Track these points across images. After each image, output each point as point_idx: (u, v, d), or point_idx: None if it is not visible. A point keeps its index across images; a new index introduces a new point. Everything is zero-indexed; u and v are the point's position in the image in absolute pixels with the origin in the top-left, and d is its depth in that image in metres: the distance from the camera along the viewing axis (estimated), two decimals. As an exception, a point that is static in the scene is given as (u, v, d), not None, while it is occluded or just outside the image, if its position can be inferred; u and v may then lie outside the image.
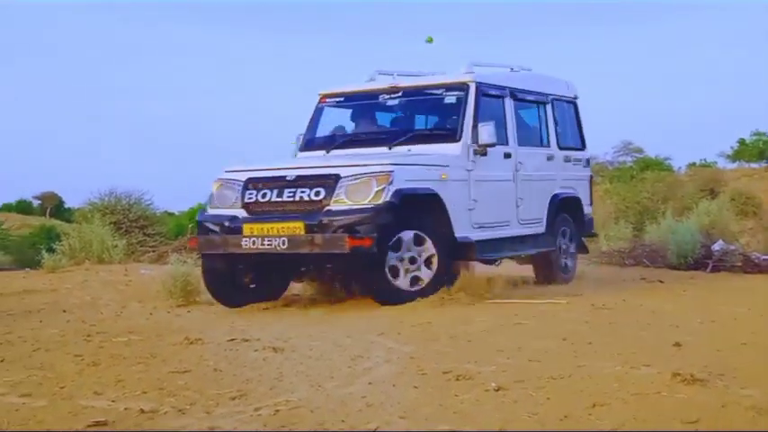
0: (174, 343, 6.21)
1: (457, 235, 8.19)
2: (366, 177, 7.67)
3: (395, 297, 7.70)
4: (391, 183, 7.63)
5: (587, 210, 10.48)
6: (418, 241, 7.84)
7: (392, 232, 7.67)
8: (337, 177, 7.72)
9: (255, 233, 7.71)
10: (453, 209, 8.17)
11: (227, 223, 7.93)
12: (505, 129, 9.08)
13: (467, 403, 4.30)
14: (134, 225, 17.63)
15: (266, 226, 7.71)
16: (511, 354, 5.43)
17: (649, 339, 5.92)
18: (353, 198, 7.62)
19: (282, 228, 7.64)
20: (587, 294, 8.28)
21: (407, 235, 7.78)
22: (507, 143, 9.11)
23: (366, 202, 7.58)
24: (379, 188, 7.61)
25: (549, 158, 9.84)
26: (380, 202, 7.57)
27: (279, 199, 7.88)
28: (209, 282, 8.32)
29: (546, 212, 9.62)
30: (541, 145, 9.83)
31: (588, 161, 10.76)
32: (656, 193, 17.53)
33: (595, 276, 10.38)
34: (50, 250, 13.39)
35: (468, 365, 5.07)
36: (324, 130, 9.53)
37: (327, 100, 9.61)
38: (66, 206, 45.34)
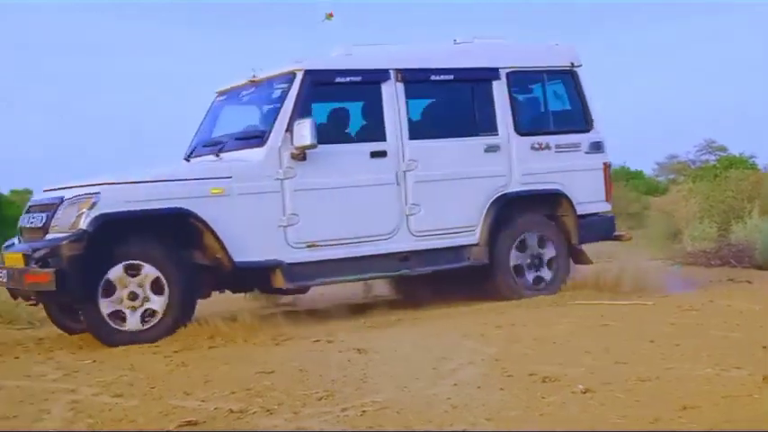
0: (259, 344, 6.29)
1: (239, 259, 6.89)
2: (74, 201, 6.62)
3: (120, 340, 6.54)
4: (92, 207, 6.48)
5: (594, 207, 8.47)
6: (132, 272, 6.62)
7: (94, 266, 6.47)
8: (61, 200, 6.70)
9: (5, 263, 7.07)
10: (236, 228, 6.89)
11: (2, 250, 7.36)
12: (382, 121, 7.61)
13: (553, 406, 4.27)
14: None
15: (7, 255, 7.07)
16: (597, 356, 5.37)
17: (738, 341, 5.80)
18: (63, 225, 6.58)
19: (12, 258, 6.91)
20: (673, 296, 8.14)
21: (115, 272, 6.56)
22: (384, 138, 7.59)
23: (68, 230, 6.52)
24: (80, 213, 6.51)
25: (491, 149, 7.98)
26: (77, 230, 6.48)
27: (26, 225, 7.10)
28: (45, 308, 7.48)
29: (483, 217, 7.88)
30: (476, 133, 8.00)
31: (598, 145, 8.51)
32: (740, 192, 17.15)
33: (681, 277, 10.16)
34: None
35: (554, 367, 5.03)
36: (220, 130, 8.21)
37: (219, 97, 8.45)
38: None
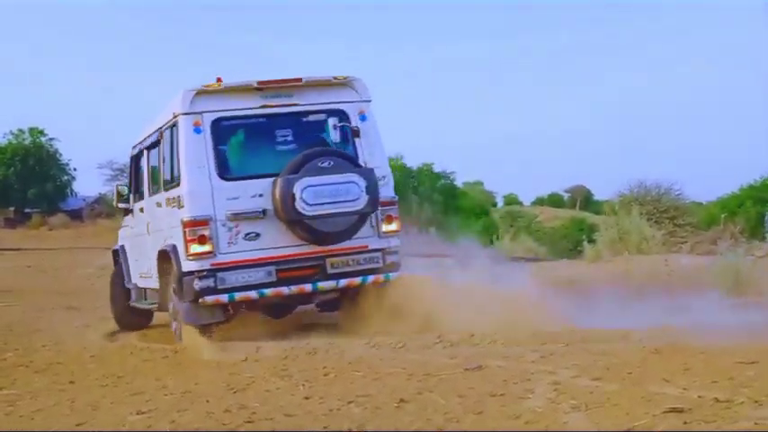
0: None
1: (132, 280, 9.61)
2: None
3: None
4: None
5: (188, 266, 7.63)
6: None
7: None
8: None
9: None
10: (128, 260, 9.76)
11: None
12: (145, 181, 9.02)
13: None
14: (664, 216, 17.80)
15: None
16: None
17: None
18: None
19: None
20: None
21: None
22: (144, 196, 9.06)
23: None
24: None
25: (159, 204, 8.44)
26: None
27: None
28: None
29: (156, 266, 8.40)
30: (163, 189, 8.35)
31: (178, 199, 7.82)
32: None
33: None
34: (591, 241, 13.90)
35: None
36: None
37: None
38: (594, 199, 46.54)
